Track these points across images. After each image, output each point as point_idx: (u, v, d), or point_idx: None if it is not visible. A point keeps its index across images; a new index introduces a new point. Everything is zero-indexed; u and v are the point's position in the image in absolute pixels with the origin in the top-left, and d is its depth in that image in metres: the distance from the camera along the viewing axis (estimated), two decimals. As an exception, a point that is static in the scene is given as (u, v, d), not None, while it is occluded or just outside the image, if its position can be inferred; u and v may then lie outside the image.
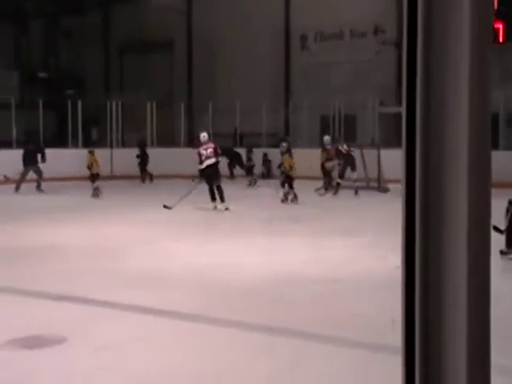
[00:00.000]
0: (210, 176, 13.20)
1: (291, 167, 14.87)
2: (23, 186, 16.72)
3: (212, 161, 13.25)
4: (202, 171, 13.35)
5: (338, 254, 8.37)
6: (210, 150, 13.31)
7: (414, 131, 0.87)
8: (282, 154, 15.29)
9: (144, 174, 20.25)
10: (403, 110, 0.89)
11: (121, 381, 4.20)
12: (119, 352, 4.66)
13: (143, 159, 20.38)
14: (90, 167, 16.32)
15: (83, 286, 6.54)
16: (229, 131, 22.21)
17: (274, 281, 6.87)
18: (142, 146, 20.64)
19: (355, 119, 21.83)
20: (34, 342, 4.85)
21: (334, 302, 6.00)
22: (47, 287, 6.51)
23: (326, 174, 16.85)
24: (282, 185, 14.91)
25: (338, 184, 16.08)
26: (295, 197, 14.46)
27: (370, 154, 16.84)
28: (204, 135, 13.72)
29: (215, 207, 13.05)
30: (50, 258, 8.07)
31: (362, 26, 22.64)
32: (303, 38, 24.44)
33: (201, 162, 13.27)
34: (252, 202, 14.98)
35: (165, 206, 12.56)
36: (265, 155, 21.09)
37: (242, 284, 6.73)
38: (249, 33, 23.46)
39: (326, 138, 17.35)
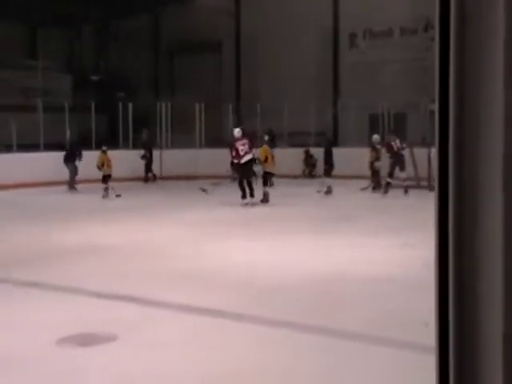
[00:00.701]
0: (246, 172, 13.28)
1: (266, 158, 14.11)
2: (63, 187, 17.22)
3: (250, 156, 13.40)
4: (239, 166, 13.44)
5: (386, 254, 8.28)
6: (247, 146, 13.43)
7: (448, 129, 0.86)
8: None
9: (148, 174, 20.26)
10: (436, 108, 0.88)
11: (168, 380, 4.26)
12: (167, 351, 4.73)
13: (149, 159, 20.32)
14: (100, 167, 16.27)
15: (131, 286, 6.65)
16: (277, 131, 22.21)
17: (320, 280, 6.84)
18: (148, 147, 20.60)
19: (405, 117, 21.51)
20: (85, 340, 4.96)
21: (381, 302, 5.94)
22: (96, 286, 6.65)
23: (375, 173, 16.66)
24: (264, 183, 14.21)
25: (388, 183, 15.89)
26: (265, 197, 13.68)
27: (421, 152, 16.58)
28: (238, 130, 13.81)
29: (246, 203, 13.15)
30: (97, 258, 8.24)
31: (412, 23, 22.30)
32: (352, 36, 24.23)
33: (239, 157, 13.32)
34: (296, 200, 14.96)
35: (202, 190, 12.74)
36: (306, 152, 20.85)
37: (289, 283, 6.73)
38: (297, 32, 23.39)
39: (375, 136, 17.14)
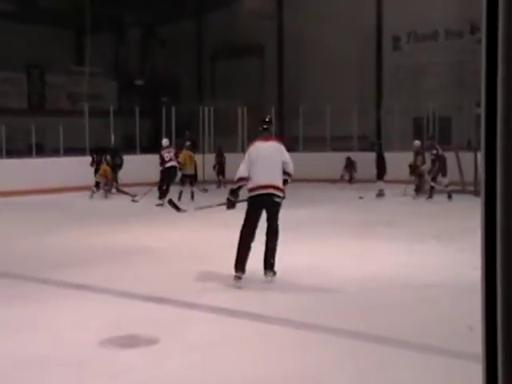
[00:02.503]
0: (169, 176, 15.05)
1: (184, 163, 15.69)
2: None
3: (172, 163, 15.11)
4: (164, 170, 15.07)
5: (429, 259, 8.16)
6: (172, 154, 15.29)
7: (495, 133, 0.85)
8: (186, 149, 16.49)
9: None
10: (482, 111, 0.86)
11: (207, 382, 4.28)
12: (208, 354, 4.75)
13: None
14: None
15: (174, 288, 6.70)
16: (319, 134, 22.14)
17: (364, 284, 6.78)
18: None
19: (450, 121, 21.19)
20: (125, 343, 5.01)
21: (427, 308, 5.85)
22: (140, 289, 6.72)
23: (420, 176, 16.50)
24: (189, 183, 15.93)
25: (432, 187, 15.69)
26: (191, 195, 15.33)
27: (467, 156, 16.29)
28: (166, 141, 15.85)
29: (160, 204, 14.51)
30: (143, 261, 8.34)
31: (457, 26, 21.97)
32: (395, 39, 24.01)
33: (164, 163, 15.05)
34: (339, 204, 14.88)
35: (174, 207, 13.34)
36: (348, 159, 20.81)
37: (332, 287, 6.68)
38: (339, 35, 23.28)
39: (417, 142, 16.97)
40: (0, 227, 11.77)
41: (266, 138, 7.09)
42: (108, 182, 17.50)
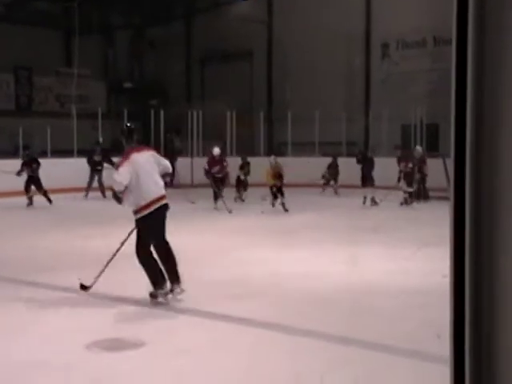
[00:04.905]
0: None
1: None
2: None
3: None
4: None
5: (420, 265, 8.18)
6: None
7: (464, 139, 0.85)
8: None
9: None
10: (452, 119, 0.87)
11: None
12: (196, 358, 4.73)
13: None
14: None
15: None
16: (308, 140, 22.18)
17: (355, 290, 6.78)
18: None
19: (437, 128, 21.30)
20: (114, 347, 5.00)
21: (418, 315, 5.86)
22: (128, 293, 6.69)
23: (422, 183, 16.69)
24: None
25: (410, 193, 15.89)
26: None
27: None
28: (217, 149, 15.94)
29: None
30: (133, 265, 8.29)
31: (446, 33, 22.09)
32: (384, 47, 24.12)
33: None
34: (329, 210, 14.92)
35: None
36: (333, 160, 19.97)
37: (322, 293, 6.68)
38: (328, 41, 23.36)
39: (419, 148, 17.18)
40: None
41: (138, 149, 6.51)
42: None
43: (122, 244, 6.58)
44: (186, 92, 29.63)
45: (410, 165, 16.20)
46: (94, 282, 6.41)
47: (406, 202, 15.80)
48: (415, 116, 20.71)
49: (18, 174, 15.70)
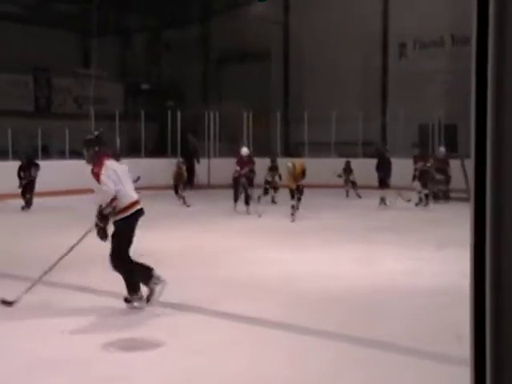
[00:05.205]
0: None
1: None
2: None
3: None
4: None
5: (435, 266, 8.14)
6: None
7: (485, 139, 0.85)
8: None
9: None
10: (472, 120, 0.87)
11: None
12: (211, 358, 4.74)
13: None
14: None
15: (178, 293, 6.70)
16: (324, 140, 22.12)
17: (370, 291, 6.76)
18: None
19: (456, 129, 21.14)
20: (130, 346, 5.03)
21: (434, 316, 5.82)
22: (144, 293, 6.72)
23: (446, 184, 16.64)
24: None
25: (426, 195, 15.78)
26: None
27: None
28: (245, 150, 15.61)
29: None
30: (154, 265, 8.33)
31: (464, 32, 21.91)
32: (401, 46, 24.00)
33: None
34: (345, 211, 14.89)
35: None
36: (347, 162, 19.72)
37: (337, 294, 6.67)
38: (345, 41, 23.31)
39: (442, 149, 17.16)
40: (2, 229, 11.79)
41: (109, 156, 6.53)
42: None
43: (71, 249, 6.54)
44: (203, 93, 29.72)
45: (428, 164, 16.08)
46: (21, 297, 6.08)
47: (421, 202, 15.67)
48: (433, 116, 20.58)
49: (20, 186, 15.67)
